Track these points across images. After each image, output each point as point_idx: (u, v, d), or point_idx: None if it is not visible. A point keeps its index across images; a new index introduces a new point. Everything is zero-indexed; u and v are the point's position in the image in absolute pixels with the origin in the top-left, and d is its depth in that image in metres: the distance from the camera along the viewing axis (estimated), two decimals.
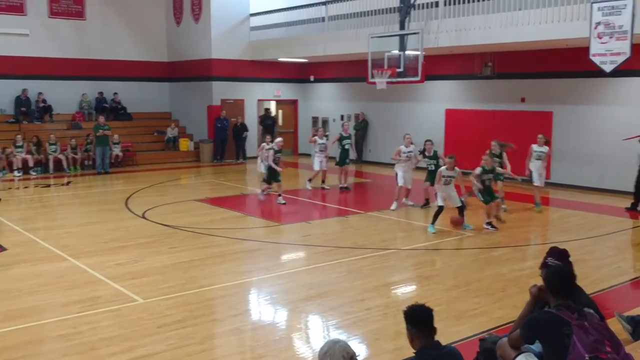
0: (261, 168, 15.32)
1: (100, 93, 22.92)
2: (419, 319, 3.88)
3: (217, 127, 22.52)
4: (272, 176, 14.21)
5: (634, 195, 13.30)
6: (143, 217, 12.61)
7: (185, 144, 23.25)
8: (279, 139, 14.44)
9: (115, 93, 23.19)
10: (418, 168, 14.38)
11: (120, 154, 20.95)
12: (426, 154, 13.60)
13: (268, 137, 16.05)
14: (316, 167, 16.05)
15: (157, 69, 24.30)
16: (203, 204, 14.33)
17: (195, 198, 14.94)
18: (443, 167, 11.32)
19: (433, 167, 13.10)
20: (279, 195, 14.18)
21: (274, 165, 13.99)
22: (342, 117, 23.22)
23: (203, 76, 22.84)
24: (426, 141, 13.74)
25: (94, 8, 22.69)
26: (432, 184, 12.63)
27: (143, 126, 23.46)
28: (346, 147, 15.84)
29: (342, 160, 15.85)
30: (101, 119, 20.26)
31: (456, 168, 11.27)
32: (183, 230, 11.34)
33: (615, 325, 6.03)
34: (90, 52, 22.56)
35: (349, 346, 3.32)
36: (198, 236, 10.92)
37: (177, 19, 24.01)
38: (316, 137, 16.26)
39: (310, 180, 16.19)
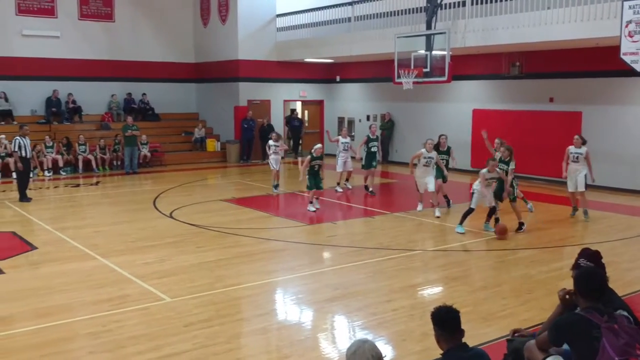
0: (272, 165, 15.68)
1: (129, 94, 23.20)
2: (445, 321, 3.84)
3: (243, 128, 22.62)
4: (314, 183, 13.33)
5: None
6: (170, 216, 12.73)
7: (212, 145, 23.40)
8: (318, 146, 13.54)
9: (144, 94, 23.45)
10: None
11: (149, 154, 21.18)
12: (440, 148, 13.63)
13: (274, 135, 16.08)
14: (339, 168, 15.99)
15: (184, 70, 24.53)
16: (229, 203, 14.41)
17: (221, 198, 15.03)
18: (484, 170, 11.12)
19: (445, 163, 13.43)
20: (310, 202, 13.50)
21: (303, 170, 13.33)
22: (367, 118, 23.17)
23: (230, 77, 22.97)
24: (440, 136, 13.83)
25: (123, 10, 22.99)
26: (444, 180, 13.20)
27: (171, 127, 23.70)
28: (372, 149, 15.46)
29: (369, 163, 15.50)
30: (130, 119, 20.53)
31: (497, 169, 11.14)
32: (210, 230, 11.42)
33: None
34: (119, 54, 22.86)
35: (376, 347, 3.30)
36: (224, 236, 10.99)
37: (204, 20, 24.20)
38: (339, 137, 16.23)
39: (338, 184, 16.17)
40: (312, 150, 13.41)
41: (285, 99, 24.16)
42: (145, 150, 21.02)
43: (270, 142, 16.01)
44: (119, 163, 20.62)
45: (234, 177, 19.78)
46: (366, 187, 15.68)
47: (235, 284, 8.24)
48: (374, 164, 15.59)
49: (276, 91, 23.63)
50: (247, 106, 22.86)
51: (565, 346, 4.14)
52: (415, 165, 13.02)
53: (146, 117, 23.09)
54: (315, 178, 13.33)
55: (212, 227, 11.61)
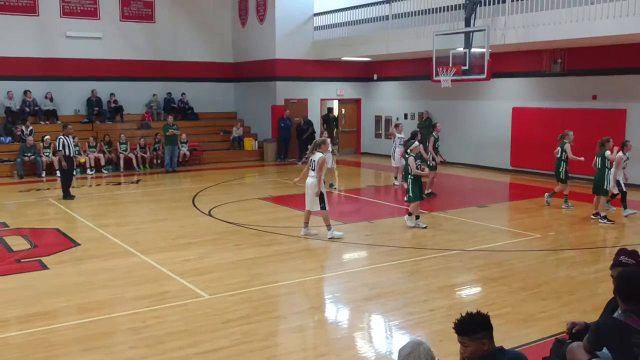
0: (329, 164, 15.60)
1: (169, 93, 23.53)
2: (484, 323, 3.72)
3: (280, 127, 22.72)
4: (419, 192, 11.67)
5: None
6: (209, 214, 12.87)
7: (249, 144, 23.57)
8: (415, 143, 11.85)
9: (183, 93, 23.75)
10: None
11: (188, 153, 21.45)
12: (435, 135, 14.42)
13: (325, 133, 16.15)
14: (396, 163, 16.07)
15: (222, 70, 24.77)
16: (267, 202, 14.49)
17: (259, 196, 15.13)
18: (620, 153, 11.73)
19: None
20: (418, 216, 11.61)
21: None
22: (405, 116, 23.02)
23: (267, 76, 23.10)
24: (435, 123, 14.55)
25: (163, 11, 23.33)
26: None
27: (209, 126, 23.95)
28: (438, 149, 14.85)
29: (434, 164, 14.65)
30: (170, 118, 20.83)
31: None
32: (247, 228, 11.50)
33: None
34: (159, 54, 23.22)
35: (431, 350, 3.23)
36: (262, 234, 11.06)
37: (242, 20, 24.38)
38: (395, 132, 16.43)
39: (396, 177, 16.20)
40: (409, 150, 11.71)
41: (322, 97, 24.17)
42: (184, 149, 21.28)
43: (395, 133, 16.35)
44: (159, 162, 20.93)
45: (271, 176, 19.89)
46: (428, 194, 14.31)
47: (272, 281, 8.29)
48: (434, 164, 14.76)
49: (313, 90, 23.66)
50: (284, 105, 22.96)
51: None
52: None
53: (185, 117, 23.38)
54: (420, 185, 11.73)
55: (250, 225, 11.69)
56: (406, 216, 11.65)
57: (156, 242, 10.48)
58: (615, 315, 4.04)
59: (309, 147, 11.07)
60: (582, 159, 13.07)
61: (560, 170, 13.23)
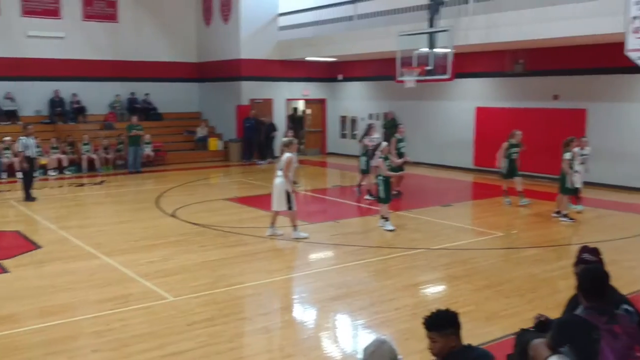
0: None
1: (132, 94, 23.24)
2: (452, 321, 3.79)
3: (245, 127, 22.64)
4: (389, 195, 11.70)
5: None
6: (173, 215, 12.74)
7: (214, 144, 23.42)
8: (384, 144, 12.05)
9: (147, 94, 23.48)
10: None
11: (152, 153, 21.22)
12: (398, 136, 14.56)
13: (290, 133, 16.10)
14: (374, 162, 15.91)
15: (187, 70, 24.56)
16: (232, 202, 14.42)
17: (224, 197, 15.05)
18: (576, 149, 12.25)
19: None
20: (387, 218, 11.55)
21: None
22: (370, 116, 23.14)
23: (232, 76, 22.98)
24: (399, 124, 14.68)
25: (127, 11, 23.03)
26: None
27: (173, 126, 23.73)
28: (402, 150, 14.64)
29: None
30: (134, 119, 20.56)
31: None
32: (212, 229, 11.43)
33: None
34: (122, 54, 22.90)
35: (395, 349, 3.28)
36: (227, 235, 11.00)
37: (206, 19, 24.21)
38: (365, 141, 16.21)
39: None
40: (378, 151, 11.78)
41: (288, 97, 24.16)
42: (148, 150, 21.05)
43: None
44: (122, 162, 20.65)
45: (236, 176, 19.79)
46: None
47: (238, 283, 8.25)
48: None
49: (278, 90, 23.63)
50: (249, 105, 22.87)
51: None
52: None
53: (149, 117, 23.10)
54: (389, 187, 11.63)
55: (215, 226, 11.61)
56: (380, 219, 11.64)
57: (120, 244, 10.34)
58: (577, 312, 4.12)
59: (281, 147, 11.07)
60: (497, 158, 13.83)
61: (503, 167, 13.77)
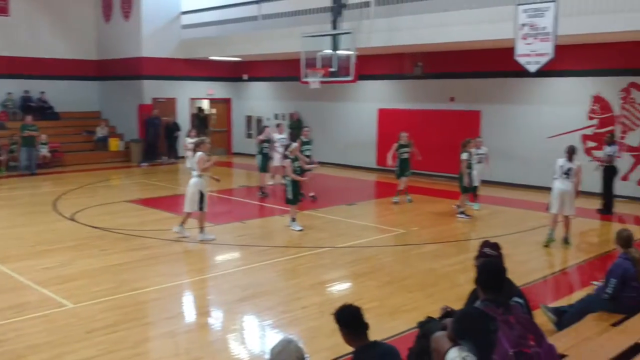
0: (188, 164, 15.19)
1: (26, 92, 22.09)
2: (348, 321, 3.93)
3: (148, 127, 22.09)
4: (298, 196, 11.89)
5: (604, 196, 13.49)
6: (72, 219, 12.25)
7: (115, 144, 22.70)
8: (294, 145, 12.37)
9: (42, 92, 22.40)
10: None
11: (48, 154, 20.26)
12: (303, 139, 14.51)
13: (193, 132, 15.82)
14: (277, 162, 15.80)
15: (85, 67, 23.62)
16: (134, 204, 14.04)
17: (126, 199, 14.62)
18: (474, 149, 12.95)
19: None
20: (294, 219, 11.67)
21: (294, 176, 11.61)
22: (275, 116, 23.18)
23: (133, 75, 22.35)
24: (304, 127, 14.53)
25: (19, 3, 21.83)
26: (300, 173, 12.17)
27: (71, 126, 22.75)
28: (306, 153, 14.41)
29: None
30: (28, 118, 19.49)
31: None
32: (114, 232, 11.08)
33: (541, 317, 6.30)
34: (14, 50, 21.64)
35: (301, 348, 3.33)
36: (130, 238, 10.70)
37: (106, 16, 23.40)
38: (275, 134, 16.17)
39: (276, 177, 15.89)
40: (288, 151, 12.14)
41: (192, 97, 23.78)
42: (44, 151, 20.09)
43: (188, 139, 15.66)
44: (16, 164, 19.57)
45: (138, 178, 19.26)
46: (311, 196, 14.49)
47: (142, 287, 8.05)
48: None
49: (182, 89, 23.21)
50: (151, 104, 22.33)
51: None
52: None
53: (45, 116, 22.02)
54: (297, 188, 11.76)
55: (117, 230, 11.27)
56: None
57: (13, 250, 9.82)
58: (477, 304, 4.32)
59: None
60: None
61: (396, 166, 14.33)
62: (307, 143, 14.82)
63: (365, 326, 3.93)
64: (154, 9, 21.98)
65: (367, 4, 16.39)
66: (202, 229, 10.49)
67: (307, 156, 14.21)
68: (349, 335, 3.94)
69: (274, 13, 19.44)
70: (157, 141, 22.31)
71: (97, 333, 6.40)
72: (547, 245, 10.34)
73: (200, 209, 10.45)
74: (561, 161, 10.35)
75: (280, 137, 15.98)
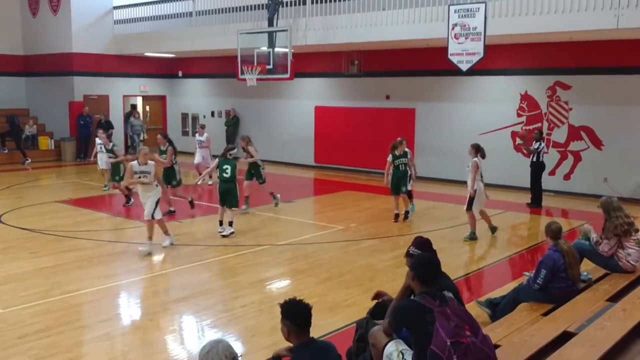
0: (102, 165, 14.90)
1: None
2: (297, 314, 3.93)
3: (79, 124, 21.47)
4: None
5: (532, 191, 13.90)
6: None
7: (45, 143, 21.96)
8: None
9: None
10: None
11: None
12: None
13: (101, 132, 15.31)
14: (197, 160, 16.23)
15: (11, 63, 22.70)
16: (66, 205, 13.63)
17: (57, 199, 14.17)
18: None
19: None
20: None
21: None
22: (212, 114, 22.93)
23: (63, 71, 21.65)
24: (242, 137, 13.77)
25: None
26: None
27: None
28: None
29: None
30: None
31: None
32: (45, 234, 10.74)
33: (475, 309, 6.49)
34: None
35: (231, 346, 3.31)
36: (61, 239, 10.39)
37: (32, 9, 22.57)
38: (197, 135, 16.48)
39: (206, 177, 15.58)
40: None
41: (125, 94, 23.24)
42: None
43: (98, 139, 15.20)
44: None
45: (70, 177, 18.70)
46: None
47: (75, 290, 7.83)
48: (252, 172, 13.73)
49: (115, 86, 22.66)
50: (83, 102, 21.70)
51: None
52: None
53: None
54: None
55: (48, 231, 10.92)
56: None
57: None
58: (414, 297, 4.43)
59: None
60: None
61: None
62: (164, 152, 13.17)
63: (309, 324, 3.94)
64: (84, 4, 21.37)
65: (303, 2, 16.43)
66: (150, 237, 9.76)
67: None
68: (292, 330, 3.92)
69: (209, 10, 19.24)
70: (89, 139, 21.68)
71: (28, 338, 6.19)
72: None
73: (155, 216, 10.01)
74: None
75: (200, 138, 16.22)
